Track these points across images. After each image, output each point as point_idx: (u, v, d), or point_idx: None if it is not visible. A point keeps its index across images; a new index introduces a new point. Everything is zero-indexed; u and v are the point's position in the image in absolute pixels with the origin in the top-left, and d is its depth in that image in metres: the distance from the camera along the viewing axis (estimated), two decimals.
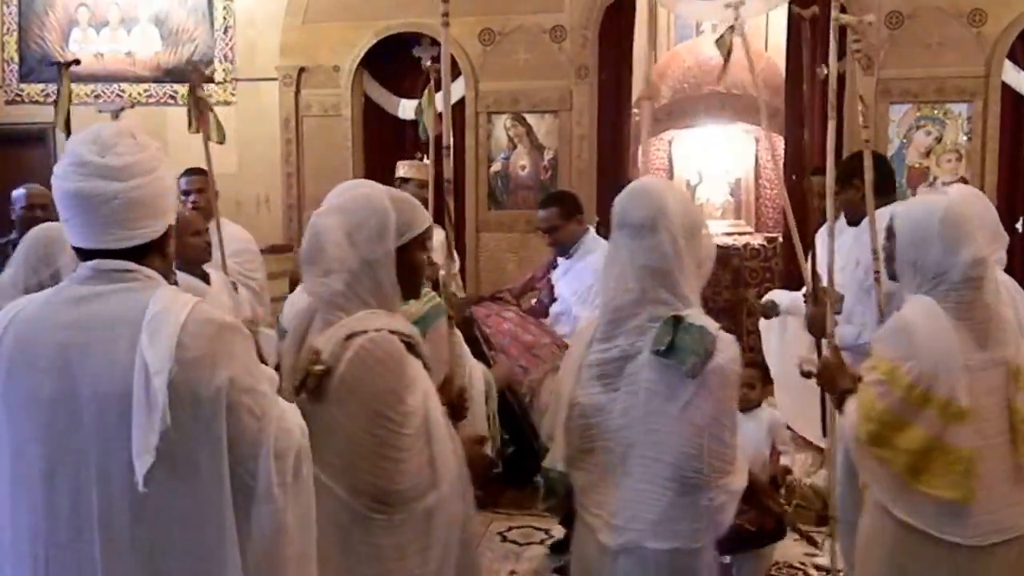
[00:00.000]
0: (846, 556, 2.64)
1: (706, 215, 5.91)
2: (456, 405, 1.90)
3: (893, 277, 2.13)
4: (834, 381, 2.15)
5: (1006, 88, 4.98)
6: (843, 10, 2.67)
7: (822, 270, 3.36)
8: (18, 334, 1.39)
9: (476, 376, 2.45)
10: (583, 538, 1.90)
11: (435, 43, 5.62)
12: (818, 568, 3.55)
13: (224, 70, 5.96)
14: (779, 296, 3.77)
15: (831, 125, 2.55)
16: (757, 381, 3.41)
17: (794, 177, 5.09)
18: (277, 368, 1.72)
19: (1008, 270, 2.83)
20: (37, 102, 6.09)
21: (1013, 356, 1.96)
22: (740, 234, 6.28)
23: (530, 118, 5.52)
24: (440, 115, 4.91)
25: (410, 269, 1.75)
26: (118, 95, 6.08)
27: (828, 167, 2.60)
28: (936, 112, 5.08)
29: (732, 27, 3.31)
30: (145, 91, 6.03)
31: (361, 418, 1.58)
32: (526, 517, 3.84)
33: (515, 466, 3.14)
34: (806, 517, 3.89)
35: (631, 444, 1.81)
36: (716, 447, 1.78)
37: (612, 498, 1.83)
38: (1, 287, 2.30)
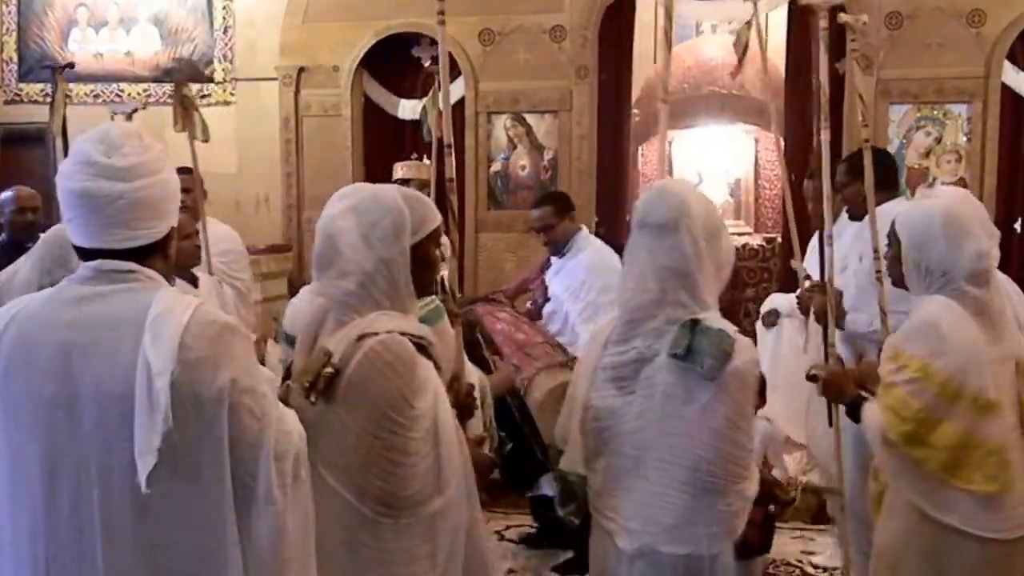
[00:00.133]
0: (855, 543, 2.65)
1: None
2: (464, 404, 1.89)
3: (899, 284, 2.14)
4: (841, 391, 2.15)
5: (1005, 89, 4.99)
6: (842, 9, 2.67)
7: (814, 271, 3.38)
8: (18, 333, 1.38)
9: (472, 381, 2.45)
10: (599, 541, 1.90)
11: (435, 43, 5.59)
12: (815, 566, 3.55)
13: (224, 70, 5.96)
14: (778, 301, 3.77)
15: (825, 134, 2.56)
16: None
17: (794, 177, 5.09)
18: (288, 370, 1.73)
19: (1007, 270, 2.83)
20: (36, 102, 6.08)
21: (1018, 351, 2.00)
22: (739, 234, 6.28)
23: (530, 118, 5.52)
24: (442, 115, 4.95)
25: (424, 266, 1.74)
26: (117, 95, 6.08)
27: (824, 171, 2.60)
28: (936, 113, 5.08)
29: (748, 23, 3.31)
30: (144, 91, 6.03)
31: (369, 421, 1.57)
32: (524, 516, 3.84)
33: (514, 468, 3.14)
34: (804, 516, 3.90)
35: (646, 448, 1.80)
36: (734, 451, 1.78)
37: (626, 502, 1.83)
38: (16, 287, 2.29)
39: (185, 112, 3.40)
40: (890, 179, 3.12)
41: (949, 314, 1.94)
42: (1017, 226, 5.08)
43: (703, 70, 6.30)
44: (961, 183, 5.04)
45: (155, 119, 5.72)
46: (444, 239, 2.71)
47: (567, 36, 5.38)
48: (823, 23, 2.60)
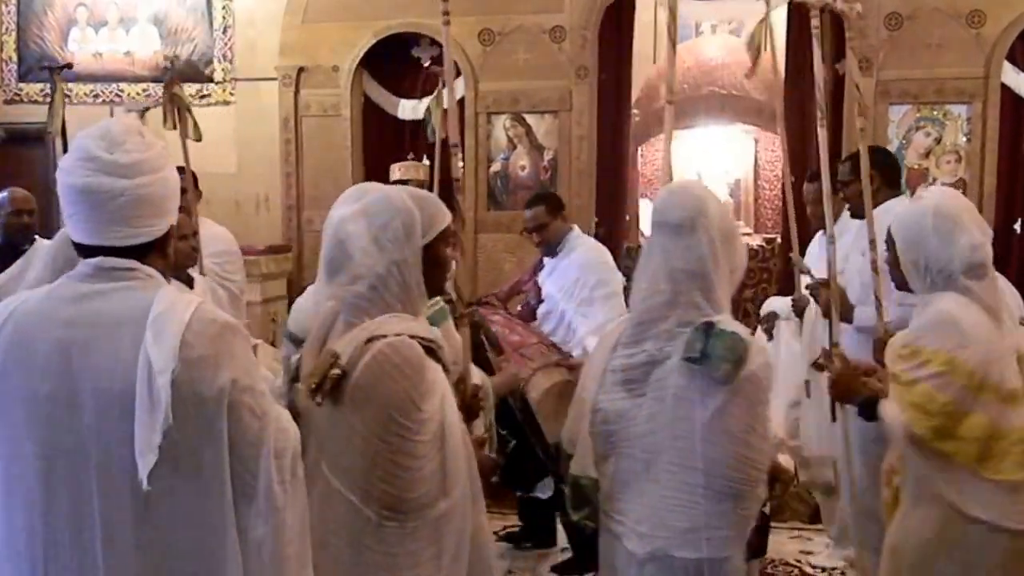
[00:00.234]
0: (861, 540, 2.66)
1: None
2: (470, 405, 1.89)
3: (902, 287, 2.14)
4: (850, 390, 2.13)
5: (1005, 89, 4.99)
6: (839, 24, 2.68)
7: (818, 273, 3.38)
8: (16, 329, 1.38)
9: (476, 382, 2.44)
10: (608, 544, 1.89)
11: (435, 43, 5.63)
12: (813, 566, 3.55)
13: (223, 70, 5.96)
14: (776, 304, 3.78)
15: (823, 133, 2.56)
16: None
17: (794, 179, 5.09)
18: (296, 371, 1.72)
19: (1007, 270, 2.84)
20: (36, 102, 6.08)
21: (1020, 343, 2.02)
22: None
23: (530, 118, 5.52)
24: (461, 117, 4.96)
25: (436, 266, 1.73)
26: (117, 95, 6.08)
27: (824, 168, 2.60)
28: (935, 113, 5.08)
29: (762, 21, 3.32)
30: (144, 91, 6.02)
31: (376, 424, 1.56)
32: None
33: (516, 467, 3.13)
34: (802, 516, 3.90)
35: (657, 451, 1.80)
36: (751, 455, 1.78)
37: (636, 505, 1.83)
38: (26, 288, 2.29)
39: (177, 111, 3.38)
40: (894, 178, 3.17)
41: (963, 308, 1.95)
42: (1017, 227, 5.08)
43: (703, 70, 6.30)
44: (961, 184, 5.04)
45: (155, 119, 5.70)
46: None
47: (567, 36, 5.38)
48: (815, 21, 2.61)
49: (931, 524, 1.96)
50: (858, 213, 3.02)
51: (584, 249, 3.62)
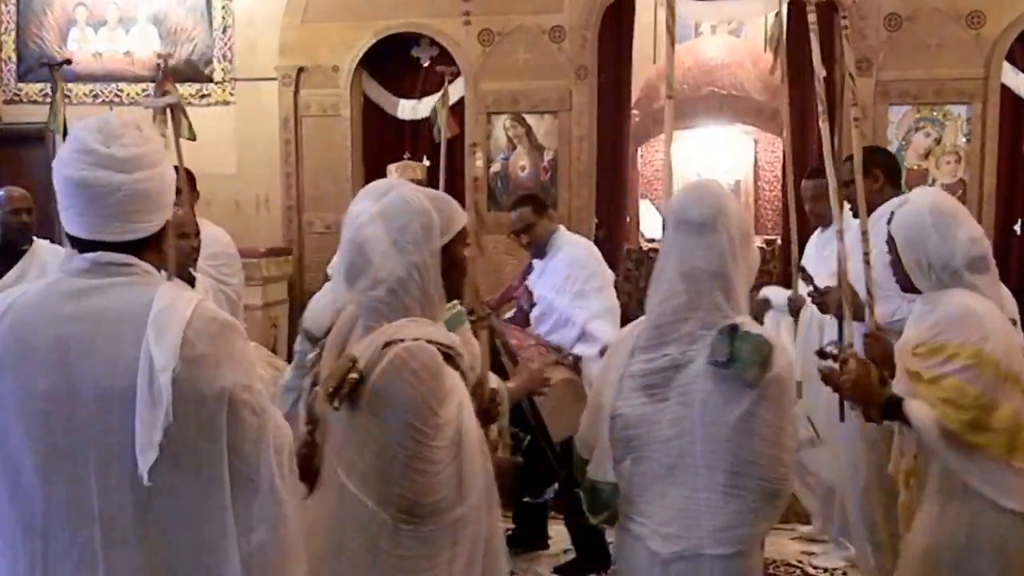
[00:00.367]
0: (853, 528, 2.65)
1: None
2: (487, 410, 1.88)
3: (907, 289, 2.15)
4: (870, 394, 2.10)
5: (1005, 90, 4.99)
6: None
7: (815, 270, 3.38)
8: (14, 323, 1.38)
9: (493, 387, 2.44)
10: (629, 546, 1.90)
11: (434, 43, 5.63)
12: (815, 566, 3.55)
13: (223, 70, 5.96)
14: (770, 292, 3.78)
15: (825, 125, 2.55)
16: None
17: (795, 179, 5.09)
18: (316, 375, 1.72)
19: (1007, 270, 2.84)
20: (35, 102, 6.08)
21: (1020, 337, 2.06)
22: None
23: (529, 118, 5.52)
24: (462, 117, 4.97)
25: (454, 267, 1.73)
26: (116, 95, 6.07)
27: (827, 164, 2.59)
28: (935, 114, 5.08)
29: (777, 14, 3.31)
30: (143, 90, 6.00)
31: (393, 428, 1.55)
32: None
33: (527, 470, 3.13)
34: (803, 517, 3.90)
35: (682, 454, 1.80)
36: (782, 455, 1.79)
37: (660, 507, 1.83)
38: None
39: (170, 110, 3.36)
40: (896, 177, 3.22)
41: (978, 302, 1.97)
42: (1017, 227, 5.08)
43: (703, 71, 6.30)
44: (960, 184, 5.05)
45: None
46: None
47: (567, 36, 5.38)
48: (812, 16, 2.61)
49: (965, 520, 1.95)
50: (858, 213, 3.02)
51: (572, 246, 3.66)
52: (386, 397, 1.55)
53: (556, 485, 3.17)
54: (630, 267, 6.36)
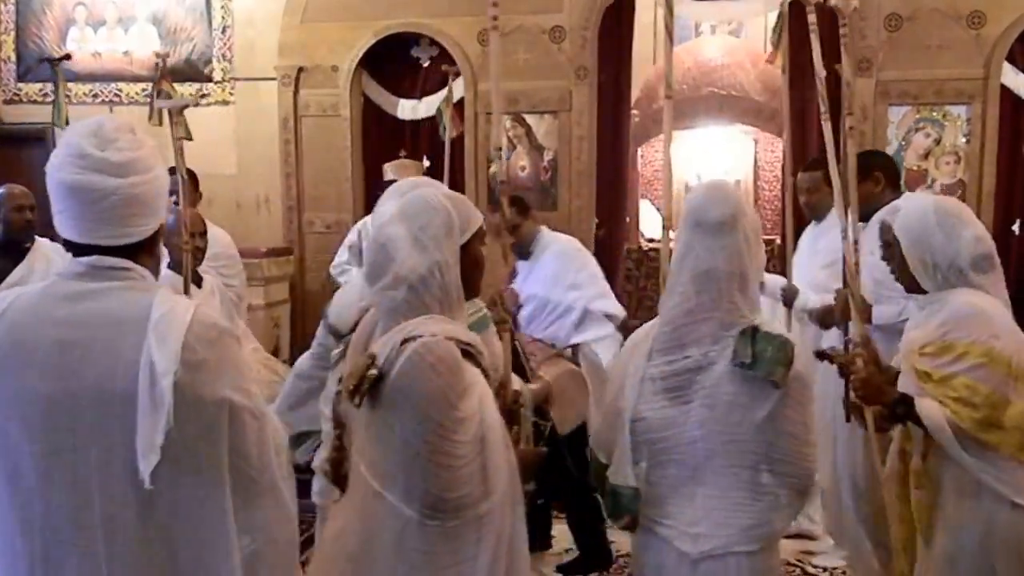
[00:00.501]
0: (849, 528, 2.67)
1: None
2: (510, 411, 1.89)
3: (912, 290, 2.15)
4: (880, 392, 2.10)
5: (1005, 90, 4.99)
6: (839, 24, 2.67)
7: (804, 270, 3.38)
8: (12, 327, 1.38)
9: (516, 388, 2.45)
10: (655, 548, 1.90)
11: (434, 43, 5.63)
12: (815, 566, 3.56)
13: (222, 69, 5.95)
14: (767, 277, 3.79)
15: (827, 127, 2.56)
16: None
17: (794, 179, 5.09)
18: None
19: (1006, 270, 2.85)
20: (35, 102, 6.08)
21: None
22: None
23: (529, 119, 5.51)
24: (462, 116, 4.98)
25: (473, 265, 1.75)
26: (116, 94, 6.07)
27: (832, 164, 2.59)
28: (935, 114, 5.08)
29: (780, 15, 3.32)
30: (143, 90, 6.01)
31: (414, 423, 1.56)
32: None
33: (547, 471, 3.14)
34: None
35: (708, 456, 1.82)
36: (807, 451, 1.83)
37: (686, 508, 1.85)
38: None
39: (168, 110, 3.35)
40: (896, 180, 3.27)
41: (985, 300, 1.98)
42: (1015, 227, 5.09)
43: (702, 71, 6.30)
44: (960, 184, 5.05)
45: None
46: None
47: (566, 36, 5.38)
48: (812, 17, 2.61)
49: (982, 519, 1.96)
50: (861, 216, 3.03)
51: (557, 244, 3.70)
52: (406, 393, 1.56)
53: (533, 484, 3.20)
54: (630, 267, 6.36)
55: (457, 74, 5.13)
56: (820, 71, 2.60)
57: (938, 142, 5.09)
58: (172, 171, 3.53)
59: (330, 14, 5.66)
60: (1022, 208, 5.12)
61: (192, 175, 3.50)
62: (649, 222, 7.02)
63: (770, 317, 3.84)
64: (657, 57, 6.71)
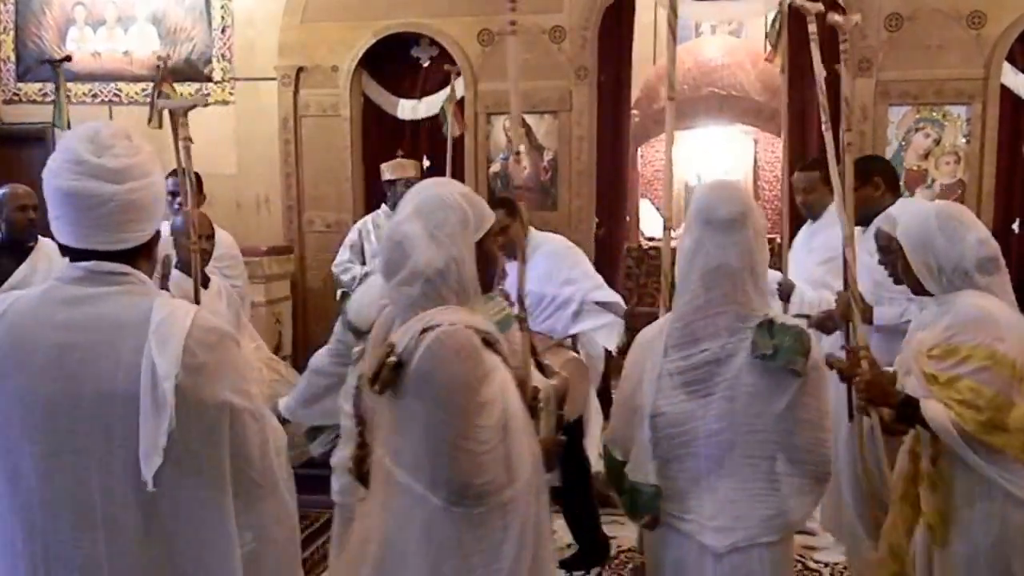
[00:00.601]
0: (848, 524, 2.68)
1: None
2: (530, 407, 1.89)
3: (919, 292, 2.15)
4: (886, 394, 2.11)
5: (1005, 90, 4.99)
6: (834, 7, 2.67)
7: (799, 267, 3.39)
8: (11, 330, 1.39)
9: (536, 385, 2.46)
10: (675, 544, 1.91)
11: (434, 43, 5.63)
12: (817, 561, 3.57)
13: (222, 69, 5.95)
14: None
15: (828, 136, 2.56)
16: None
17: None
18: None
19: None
20: (35, 101, 6.07)
21: None
22: None
23: (529, 119, 5.51)
24: (462, 115, 4.98)
25: (487, 261, 1.77)
26: (115, 94, 6.07)
27: (833, 172, 2.59)
28: (935, 114, 5.09)
29: (778, 13, 3.32)
30: (142, 90, 6.01)
31: (437, 410, 1.58)
32: None
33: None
34: None
35: (729, 448, 1.84)
36: (826, 437, 1.87)
37: (707, 502, 1.86)
38: None
39: (170, 112, 3.36)
40: (895, 184, 3.30)
41: (991, 303, 1.99)
42: (1015, 227, 5.09)
43: (702, 71, 6.30)
44: (960, 184, 5.05)
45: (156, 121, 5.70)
46: None
47: (567, 36, 5.38)
48: (812, 27, 2.61)
49: (995, 521, 1.96)
50: (861, 220, 3.04)
51: (548, 243, 3.71)
52: (427, 379, 1.57)
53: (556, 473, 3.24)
54: (630, 265, 6.37)
55: (458, 74, 5.13)
56: (821, 82, 2.60)
57: (938, 142, 5.09)
58: (174, 173, 3.57)
59: (330, 14, 5.66)
60: (1022, 208, 5.13)
61: (196, 176, 3.51)
62: (649, 221, 7.02)
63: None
64: (657, 57, 6.71)
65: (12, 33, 6.13)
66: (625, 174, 5.88)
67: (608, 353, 3.67)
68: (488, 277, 1.77)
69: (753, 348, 1.80)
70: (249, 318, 4.01)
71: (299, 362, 5.66)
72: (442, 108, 4.98)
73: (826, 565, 3.54)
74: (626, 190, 5.99)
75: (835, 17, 2.58)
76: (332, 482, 2.41)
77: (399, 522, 1.62)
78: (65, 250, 1.42)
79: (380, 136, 5.82)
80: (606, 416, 3.92)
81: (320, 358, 2.47)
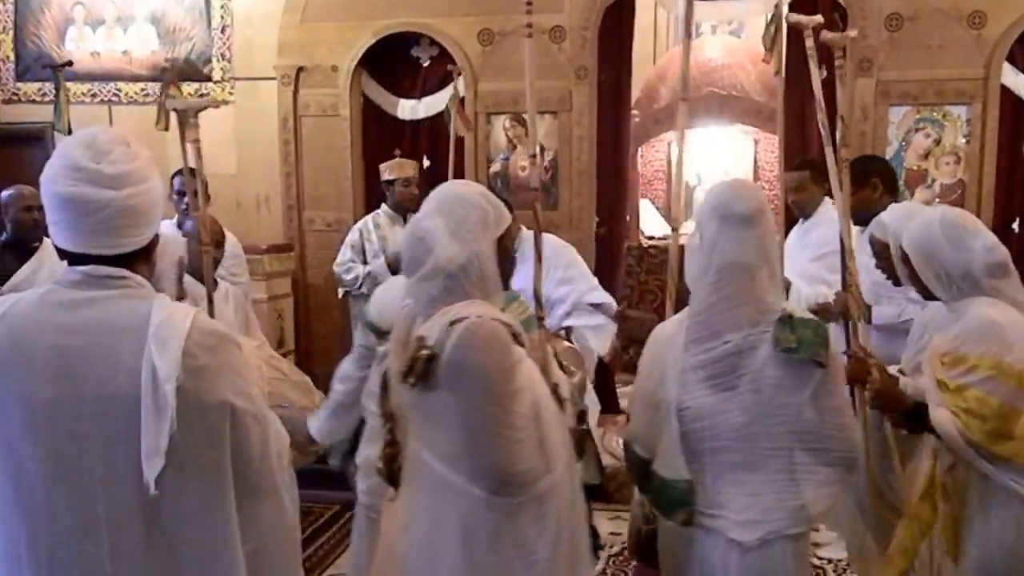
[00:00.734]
0: (851, 521, 2.71)
1: None
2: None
3: (929, 297, 2.16)
4: (897, 401, 2.14)
5: (1005, 91, 5.00)
6: (826, 27, 2.67)
7: (794, 264, 3.40)
8: (11, 333, 1.39)
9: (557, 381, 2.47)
10: (699, 539, 1.91)
11: (434, 43, 5.62)
12: (820, 558, 3.57)
13: (222, 69, 5.94)
14: None
15: (829, 150, 2.56)
16: None
17: None
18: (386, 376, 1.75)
19: None
20: (34, 101, 6.06)
21: None
22: None
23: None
24: (464, 115, 4.99)
25: (505, 261, 1.79)
26: (115, 94, 6.06)
27: (833, 181, 2.59)
28: (935, 114, 5.09)
29: (774, 16, 3.33)
30: (142, 90, 6.01)
31: (474, 398, 1.59)
32: None
33: None
34: None
35: (754, 440, 1.85)
36: (850, 423, 1.90)
37: (735, 496, 1.87)
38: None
39: (177, 113, 3.36)
40: (893, 185, 3.31)
41: (1000, 310, 1.99)
42: (1015, 226, 5.10)
43: (702, 71, 6.30)
44: (960, 185, 5.06)
45: (152, 118, 5.67)
46: None
47: (567, 36, 5.37)
48: (809, 41, 2.61)
49: (1011, 527, 1.96)
50: (860, 220, 3.04)
51: (546, 243, 3.72)
52: (462, 368, 1.58)
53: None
54: (631, 263, 6.37)
55: (459, 73, 5.12)
56: (820, 99, 2.59)
57: (938, 142, 5.10)
58: (180, 173, 3.54)
59: (330, 14, 5.65)
60: (1022, 208, 5.13)
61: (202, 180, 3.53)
62: (649, 220, 7.02)
63: None
64: (657, 57, 6.71)
65: (11, 33, 6.12)
66: (625, 174, 5.88)
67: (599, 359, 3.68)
68: (504, 276, 1.79)
69: (776, 342, 1.82)
70: (253, 315, 4.02)
71: (301, 355, 5.67)
72: (447, 107, 4.98)
73: (829, 561, 3.55)
74: (626, 190, 5.99)
75: (828, 35, 2.58)
76: (357, 483, 2.39)
77: (437, 516, 1.62)
78: (63, 254, 1.43)
79: (380, 136, 5.82)
80: (603, 410, 3.93)
81: (344, 367, 2.47)
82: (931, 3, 4.97)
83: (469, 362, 1.58)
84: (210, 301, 3.00)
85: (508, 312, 1.74)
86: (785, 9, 3.06)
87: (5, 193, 3.80)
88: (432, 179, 5.20)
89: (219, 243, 3.29)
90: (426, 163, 5.44)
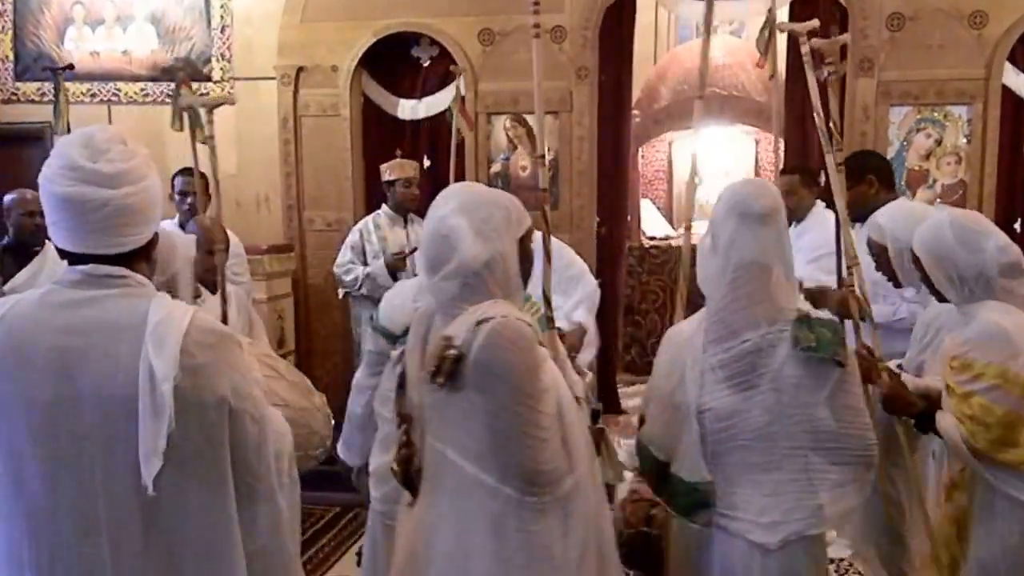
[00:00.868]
0: (855, 524, 2.69)
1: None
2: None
3: (941, 299, 2.16)
4: (907, 404, 2.15)
5: (1006, 91, 4.99)
6: (817, 34, 2.66)
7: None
8: (10, 333, 1.39)
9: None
10: (719, 541, 1.91)
11: (434, 43, 5.62)
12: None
13: (222, 69, 5.94)
14: None
15: (829, 158, 2.55)
16: None
17: None
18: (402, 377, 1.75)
19: None
20: (33, 101, 6.05)
21: None
22: None
23: (530, 119, 5.50)
24: (467, 115, 4.99)
25: (525, 261, 1.79)
26: (114, 94, 6.05)
27: (833, 183, 2.58)
28: (936, 114, 5.08)
29: (767, 21, 3.33)
30: (141, 90, 6.00)
31: (502, 397, 1.58)
32: None
33: None
34: None
35: (774, 439, 1.85)
36: (868, 421, 1.89)
37: (754, 497, 1.86)
38: None
39: (193, 114, 3.37)
40: (890, 180, 3.30)
41: (1009, 317, 1.98)
42: (1017, 226, 5.09)
43: None
44: (961, 185, 5.06)
45: (151, 118, 5.69)
46: None
47: (567, 36, 5.37)
48: (805, 47, 2.60)
49: (1016, 530, 1.96)
50: (857, 217, 3.04)
51: (538, 244, 3.70)
52: (490, 367, 1.58)
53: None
54: (632, 263, 6.37)
55: (461, 72, 5.12)
56: (817, 105, 2.59)
57: (939, 142, 5.09)
58: (186, 171, 3.53)
59: (330, 14, 5.65)
60: (1023, 208, 5.13)
61: (202, 176, 3.54)
62: (650, 221, 7.02)
63: None
64: (658, 57, 6.71)
65: (10, 32, 6.11)
66: (626, 174, 5.88)
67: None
68: (525, 274, 1.78)
69: (795, 342, 1.82)
70: (255, 315, 4.02)
71: (301, 355, 5.66)
72: (449, 108, 4.98)
73: (832, 561, 3.55)
74: (627, 190, 5.98)
75: (818, 41, 2.58)
76: (371, 489, 2.36)
77: (467, 517, 1.62)
78: (64, 254, 1.43)
79: (380, 136, 5.81)
80: (604, 410, 3.90)
81: (357, 377, 2.46)
82: (932, 3, 4.96)
83: (497, 362, 1.58)
84: (224, 300, 3.00)
85: (524, 311, 1.74)
86: (777, 15, 3.06)
87: (7, 197, 3.80)
88: (432, 179, 5.20)
89: (224, 249, 3.29)
90: (426, 163, 5.43)
